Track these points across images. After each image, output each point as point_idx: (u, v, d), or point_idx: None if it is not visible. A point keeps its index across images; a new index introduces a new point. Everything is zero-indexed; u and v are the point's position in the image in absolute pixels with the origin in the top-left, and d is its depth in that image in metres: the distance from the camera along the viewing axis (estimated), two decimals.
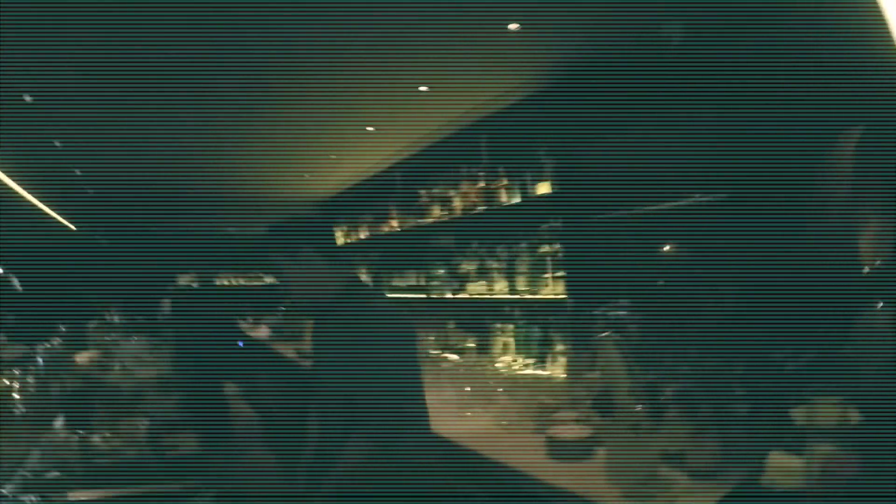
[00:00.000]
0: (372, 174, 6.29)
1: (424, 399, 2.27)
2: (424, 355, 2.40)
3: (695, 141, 2.53)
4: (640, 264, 2.87)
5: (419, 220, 5.09)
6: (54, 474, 2.38)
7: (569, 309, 3.25)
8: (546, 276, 3.54)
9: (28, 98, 3.99)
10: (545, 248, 3.61)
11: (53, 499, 2.18)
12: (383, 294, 2.57)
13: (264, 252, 2.36)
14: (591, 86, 3.19)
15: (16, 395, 2.95)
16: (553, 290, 3.46)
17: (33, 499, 2.15)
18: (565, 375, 3.13)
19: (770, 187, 2.33)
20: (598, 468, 2.13)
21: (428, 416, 2.27)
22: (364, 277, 2.84)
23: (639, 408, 2.13)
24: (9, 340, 3.56)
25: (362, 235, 6.43)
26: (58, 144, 5.29)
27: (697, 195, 2.55)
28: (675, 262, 2.80)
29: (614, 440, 2.09)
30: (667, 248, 2.81)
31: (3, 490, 2.18)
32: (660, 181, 2.69)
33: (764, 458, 1.83)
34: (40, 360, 3.19)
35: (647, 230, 2.83)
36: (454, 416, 3.17)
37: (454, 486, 1.40)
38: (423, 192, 5.04)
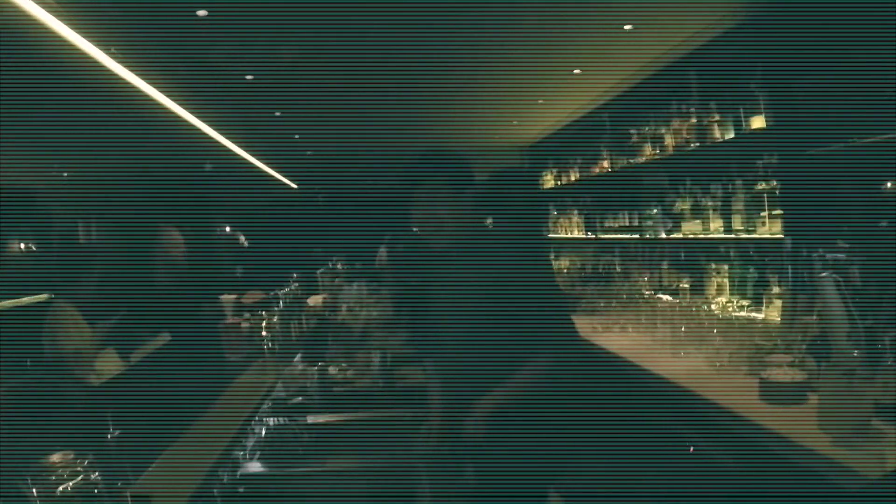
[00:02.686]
0: (580, 116, 6.27)
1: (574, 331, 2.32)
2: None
3: None
4: (861, 202, 2.69)
5: (630, 160, 5.05)
6: (298, 400, 2.76)
7: (786, 249, 3.12)
8: (762, 214, 3.41)
9: (249, 77, 4.55)
10: (761, 186, 3.46)
11: (297, 420, 2.55)
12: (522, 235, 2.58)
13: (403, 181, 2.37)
14: (805, 9, 2.98)
15: (263, 333, 3.28)
16: (769, 229, 3.33)
17: (281, 420, 2.54)
18: (781, 318, 3.04)
19: None
20: (809, 413, 2.11)
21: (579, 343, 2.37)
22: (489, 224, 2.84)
23: (855, 354, 2.07)
24: (249, 287, 4.08)
25: (573, 177, 6.47)
26: (278, 114, 5.94)
27: None
28: None
29: (828, 386, 2.05)
30: (889, 184, 2.60)
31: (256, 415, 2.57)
32: (882, 111, 2.48)
33: None
34: (281, 303, 3.61)
35: (868, 165, 2.64)
36: (668, 356, 3.23)
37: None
38: (633, 131, 4.98)
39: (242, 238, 11.96)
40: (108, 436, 1.37)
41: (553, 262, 6.42)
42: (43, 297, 8.34)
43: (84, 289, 3.76)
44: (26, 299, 8.13)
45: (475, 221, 2.41)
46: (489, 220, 3.18)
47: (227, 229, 12.06)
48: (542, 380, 2.20)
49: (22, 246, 9.43)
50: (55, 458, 1.24)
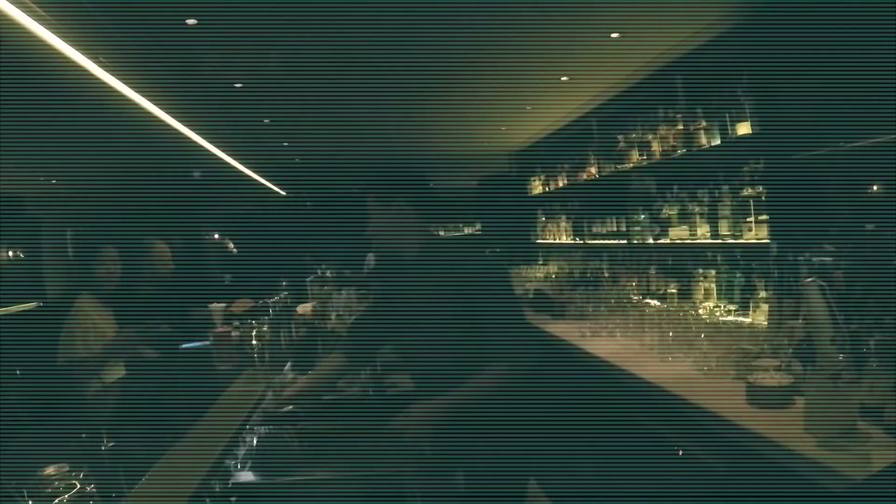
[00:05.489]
0: (567, 122, 6.32)
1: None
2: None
3: None
4: (845, 206, 2.72)
5: (618, 166, 5.08)
6: (288, 409, 2.74)
7: (772, 253, 3.16)
8: (749, 219, 3.45)
9: (238, 85, 4.56)
10: (747, 191, 3.50)
11: (288, 429, 2.54)
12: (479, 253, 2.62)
13: (360, 197, 2.49)
14: (790, 16, 3.02)
15: (254, 343, 3.20)
16: (756, 234, 3.37)
17: (271, 429, 2.53)
18: (767, 322, 3.07)
19: None
20: (796, 417, 2.14)
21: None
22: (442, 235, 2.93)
23: (840, 357, 2.10)
24: (238, 296, 4.07)
25: (561, 183, 6.51)
26: (266, 122, 5.95)
27: None
28: (883, 203, 2.63)
29: (813, 390, 2.08)
30: (875, 187, 2.64)
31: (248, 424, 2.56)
32: (866, 115, 2.52)
33: None
34: (270, 312, 3.59)
35: (852, 169, 2.67)
36: (656, 361, 3.25)
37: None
38: (620, 137, 5.02)
39: (231, 245, 11.94)
40: (102, 447, 1.38)
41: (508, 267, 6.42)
42: (32, 305, 8.31)
43: (109, 282, 3.62)
44: (15, 307, 8.09)
45: (414, 229, 2.42)
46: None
47: (216, 236, 12.04)
48: (494, 386, 2.20)
49: (10, 253, 9.37)
50: (50, 470, 1.25)
